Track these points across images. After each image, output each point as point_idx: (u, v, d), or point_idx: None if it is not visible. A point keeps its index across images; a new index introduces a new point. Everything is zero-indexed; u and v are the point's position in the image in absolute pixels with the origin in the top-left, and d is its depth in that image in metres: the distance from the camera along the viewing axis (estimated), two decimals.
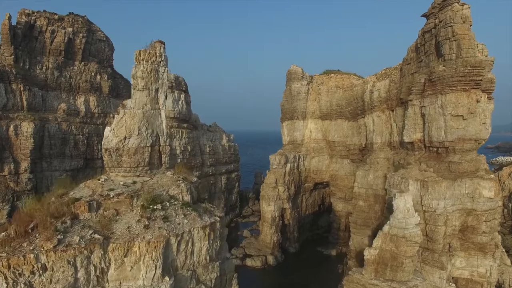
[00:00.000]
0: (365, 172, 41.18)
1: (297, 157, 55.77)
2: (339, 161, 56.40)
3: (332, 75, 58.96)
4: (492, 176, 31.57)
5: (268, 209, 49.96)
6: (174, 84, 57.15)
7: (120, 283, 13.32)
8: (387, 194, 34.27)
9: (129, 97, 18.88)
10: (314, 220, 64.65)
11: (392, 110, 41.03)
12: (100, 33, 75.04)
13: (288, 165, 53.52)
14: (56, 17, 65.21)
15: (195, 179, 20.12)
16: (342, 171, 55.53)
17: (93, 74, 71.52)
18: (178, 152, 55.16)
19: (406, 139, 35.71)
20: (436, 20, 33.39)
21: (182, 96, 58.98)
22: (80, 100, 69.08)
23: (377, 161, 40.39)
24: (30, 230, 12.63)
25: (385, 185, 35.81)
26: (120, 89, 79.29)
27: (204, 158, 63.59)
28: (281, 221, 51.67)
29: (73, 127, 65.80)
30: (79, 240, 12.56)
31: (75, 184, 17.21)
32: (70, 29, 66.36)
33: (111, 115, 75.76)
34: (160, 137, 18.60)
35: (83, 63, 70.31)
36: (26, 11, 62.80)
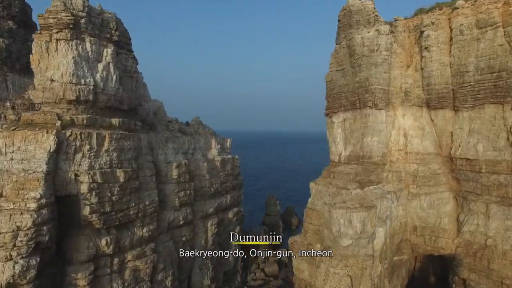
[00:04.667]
0: None
1: (390, 201, 22.06)
2: (493, 209, 22.64)
3: (461, 2, 25.23)
4: None
5: None
6: (83, 21, 23.35)
7: None
8: None
9: None
10: None
11: None
12: None
13: (381, 232, 19.81)
14: None
15: None
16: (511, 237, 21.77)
17: None
18: (84, 189, 21.33)
19: None
20: None
21: (108, 51, 25.18)
22: None
23: None
24: None
25: None
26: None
27: (167, 192, 29.81)
28: None
29: None
30: None
31: None
32: None
33: (7, 103, 41.94)
34: None
35: None
36: None
